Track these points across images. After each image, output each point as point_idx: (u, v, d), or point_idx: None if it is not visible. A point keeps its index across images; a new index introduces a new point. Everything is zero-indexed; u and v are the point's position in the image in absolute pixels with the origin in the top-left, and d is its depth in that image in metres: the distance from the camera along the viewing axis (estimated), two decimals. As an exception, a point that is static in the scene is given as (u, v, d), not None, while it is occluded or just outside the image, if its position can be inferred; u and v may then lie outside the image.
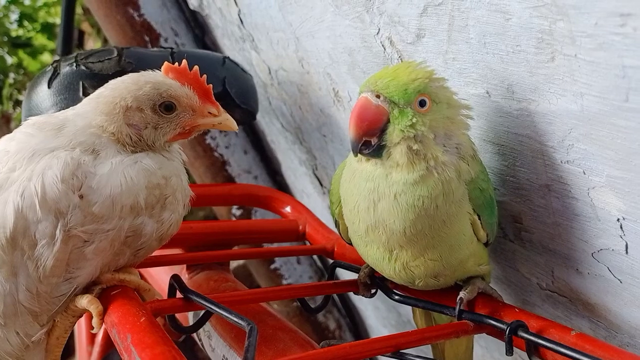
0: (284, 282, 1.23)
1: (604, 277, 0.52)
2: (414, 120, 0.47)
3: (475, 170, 0.50)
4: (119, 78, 0.53)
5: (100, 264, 0.49)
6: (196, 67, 0.54)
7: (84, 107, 0.52)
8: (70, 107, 0.54)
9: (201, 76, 0.54)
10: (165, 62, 0.54)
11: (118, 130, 0.51)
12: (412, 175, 0.47)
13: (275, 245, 0.84)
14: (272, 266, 1.22)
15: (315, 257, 1.27)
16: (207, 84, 0.54)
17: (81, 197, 0.47)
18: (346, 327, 1.30)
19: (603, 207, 0.48)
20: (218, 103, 0.55)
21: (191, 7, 1.12)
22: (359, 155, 0.49)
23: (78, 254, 0.47)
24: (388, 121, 0.47)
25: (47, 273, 0.47)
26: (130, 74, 0.53)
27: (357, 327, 1.31)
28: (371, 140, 0.48)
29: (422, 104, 0.47)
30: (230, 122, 0.55)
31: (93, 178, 0.47)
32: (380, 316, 1.16)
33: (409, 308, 0.97)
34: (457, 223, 0.49)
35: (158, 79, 0.52)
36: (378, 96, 0.47)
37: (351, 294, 1.24)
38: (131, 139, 0.51)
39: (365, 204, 0.49)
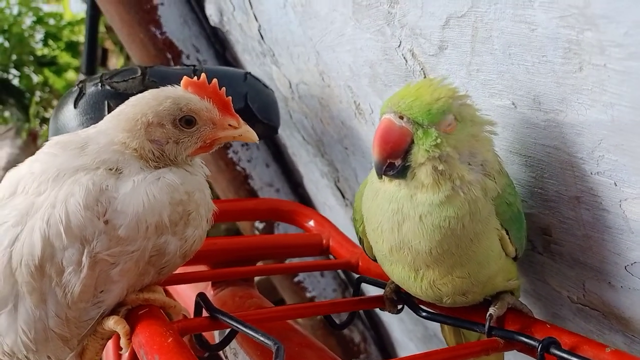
0: (308, 295, 1.22)
1: (639, 291, 0.51)
2: (439, 140, 0.46)
3: (502, 185, 0.49)
4: (139, 94, 0.53)
5: (127, 285, 0.49)
6: (215, 81, 0.54)
7: (106, 125, 0.53)
8: (92, 125, 0.54)
9: (221, 90, 0.54)
10: (185, 77, 0.54)
11: (140, 147, 0.51)
12: (438, 196, 0.46)
13: (298, 260, 0.84)
14: (296, 279, 1.22)
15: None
16: (226, 97, 0.54)
17: (106, 222, 0.47)
18: (371, 340, 1.28)
19: (636, 219, 0.46)
20: (237, 115, 0.55)
21: (212, 23, 1.13)
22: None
23: (104, 277, 0.47)
24: (412, 142, 0.46)
25: (75, 299, 0.47)
26: (150, 90, 0.53)
27: (382, 340, 1.30)
28: (395, 161, 0.47)
29: (446, 123, 0.46)
30: (251, 134, 0.54)
31: (116, 200, 0.47)
32: (405, 329, 1.14)
33: (435, 321, 0.95)
34: (485, 240, 0.48)
35: (178, 93, 0.52)
36: (401, 117, 0.46)
37: (376, 307, 1.23)
38: (154, 155, 0.51)
39: (389, 224, 0.48)
